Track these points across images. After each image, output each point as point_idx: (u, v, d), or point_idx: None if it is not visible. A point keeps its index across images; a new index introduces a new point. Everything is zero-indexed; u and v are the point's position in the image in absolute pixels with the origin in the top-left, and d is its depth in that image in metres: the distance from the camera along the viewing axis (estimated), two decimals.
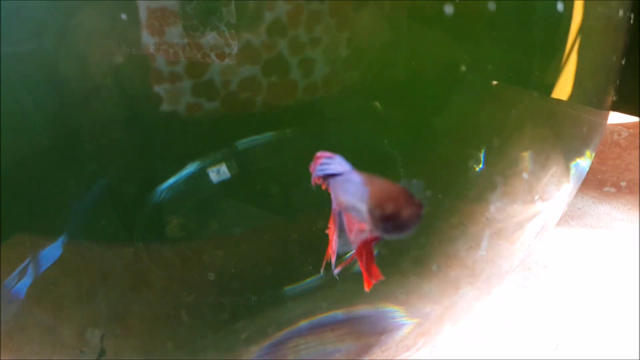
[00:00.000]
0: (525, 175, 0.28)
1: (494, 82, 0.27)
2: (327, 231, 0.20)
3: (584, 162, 0.33)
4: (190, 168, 0.22)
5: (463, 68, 0.25)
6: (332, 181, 0.19)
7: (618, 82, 0.34)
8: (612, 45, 0.32)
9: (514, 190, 0.28)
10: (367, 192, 0.17)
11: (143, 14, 0.18)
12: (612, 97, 0.34)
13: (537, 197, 0.29)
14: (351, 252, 0.19)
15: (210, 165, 0.22)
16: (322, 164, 0.20)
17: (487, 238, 0.27)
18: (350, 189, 0.18)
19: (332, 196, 0.19)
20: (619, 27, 0.32)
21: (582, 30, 0.29)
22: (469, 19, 0.25)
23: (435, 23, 0.24)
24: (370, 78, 0.21)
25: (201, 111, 0.19)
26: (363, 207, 0.17)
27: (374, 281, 0.19)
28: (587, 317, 0.38)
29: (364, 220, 0.17)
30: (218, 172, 0.22)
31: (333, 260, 0.20)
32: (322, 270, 0.20)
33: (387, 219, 0.16)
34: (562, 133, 0.30)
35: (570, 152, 0.31)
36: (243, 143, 0.21)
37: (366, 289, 0.19)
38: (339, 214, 0.19)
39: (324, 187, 0.20)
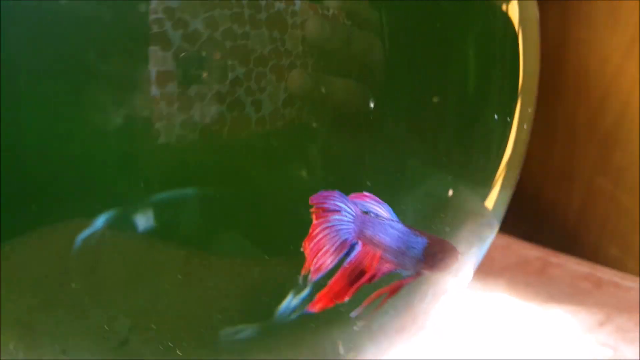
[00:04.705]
0: None
1: None
2: (302, 248, 0.23)
3: None
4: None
5: None
6: (371, 220, 0.22)
7: None
8: None
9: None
10: (424, 241, 0.21)
11: (153, 75, 0.24)
12: None
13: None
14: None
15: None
16: (369, 203, 0.22)
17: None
18: (395, 235, 0.22)
19: (354, 229, 0.22)
20: None
21: None
22: None
23: None
24: None
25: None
26: (415, 253, 0.21)
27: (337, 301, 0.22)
28: None
29: (405, 263, 0.21)
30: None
31: (314, 277, 0.23)
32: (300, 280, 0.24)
33: (443, 264, 0.22)
34: None
35: None
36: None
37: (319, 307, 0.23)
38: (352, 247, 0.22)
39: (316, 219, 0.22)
